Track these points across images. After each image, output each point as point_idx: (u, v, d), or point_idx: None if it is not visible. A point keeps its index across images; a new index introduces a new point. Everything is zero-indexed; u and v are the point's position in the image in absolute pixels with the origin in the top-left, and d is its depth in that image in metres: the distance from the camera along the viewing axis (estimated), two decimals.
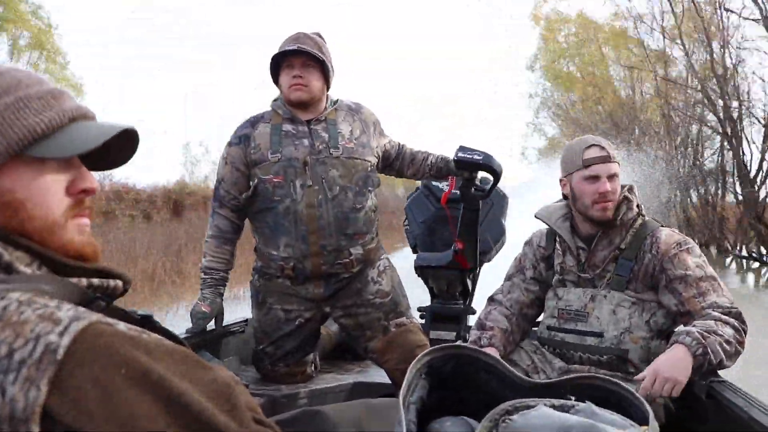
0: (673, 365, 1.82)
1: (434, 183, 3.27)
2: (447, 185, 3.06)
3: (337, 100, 2.60)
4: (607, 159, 2.09)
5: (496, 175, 2.61)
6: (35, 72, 0.90)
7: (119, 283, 0.89)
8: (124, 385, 0.68)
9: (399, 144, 2.74)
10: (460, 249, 2.87)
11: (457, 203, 3.21)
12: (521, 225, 3.19)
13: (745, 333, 1.96)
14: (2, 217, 0.83)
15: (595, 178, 2.08)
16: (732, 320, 1.93)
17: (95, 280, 0.85)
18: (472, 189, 2.70)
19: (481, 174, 2.72)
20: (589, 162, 2.09)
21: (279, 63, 2.51)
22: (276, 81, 2.55)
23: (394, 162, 2.72)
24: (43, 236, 0.85)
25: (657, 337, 2.07)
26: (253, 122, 2.56)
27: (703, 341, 1.84)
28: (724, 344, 1.87)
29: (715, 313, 1.94)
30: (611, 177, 2.09)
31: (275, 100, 2.58)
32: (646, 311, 2.08)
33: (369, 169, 2.52)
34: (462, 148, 2.58)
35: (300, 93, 2.45)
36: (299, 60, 2.46)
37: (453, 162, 2.60)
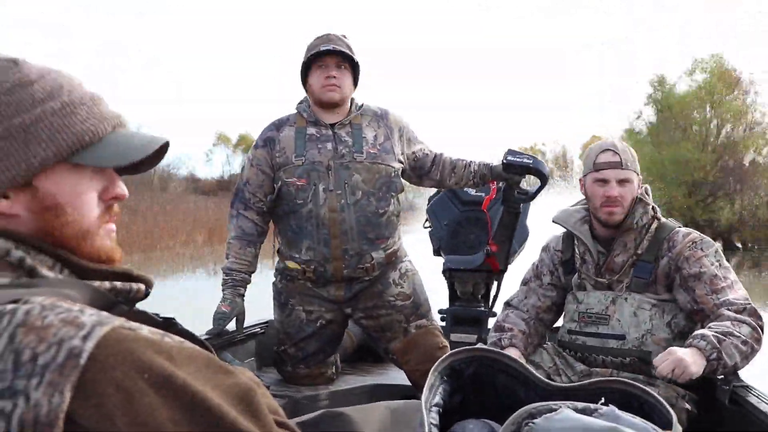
0: (686, 356, 1.81)
1: None
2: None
3: (362, 105, 2.60)
4: (617, 165, 2.10)
5: (544, 178, 2.61)
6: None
7: (141, 286, 0.89)
8: (147, 390, 0.68)
9: (436, 153, 2.69)
10: (493, 251, 2.87)
11: (478, 205, 3.21)
12: None
13: (762, 330, 1.93)
14: (42, 221, 0.84)
15: (604, 181, 2.10)
16: (748, 318, 1.92)
17: (118, 284, 0.86)
18: (516, 192, 2.69)
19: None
20: (600, 166, 2.11)
21: (308, 64, 2.51)
22: (304, 82, 2.56)
23: (432, 171, 2.67)
24: (76, 242, 0.86)
25: (678, 338, 2.05)
26: (278, 125, 2.56)
27: (718, 345, 1.83)
28: (740, 345, 1.86)
29: (730, 312, 1.93)
30: (621, 182, 2.10)
31: (300, 103, 2.59)
32: (667, 313, 2.07)
33: (393, 174, 2.51)
34: (511, 152, 2.57)
35: (333, 93, 2.46)
36: (333, 60, 2.47)
37: (502, 165, 2.57)
